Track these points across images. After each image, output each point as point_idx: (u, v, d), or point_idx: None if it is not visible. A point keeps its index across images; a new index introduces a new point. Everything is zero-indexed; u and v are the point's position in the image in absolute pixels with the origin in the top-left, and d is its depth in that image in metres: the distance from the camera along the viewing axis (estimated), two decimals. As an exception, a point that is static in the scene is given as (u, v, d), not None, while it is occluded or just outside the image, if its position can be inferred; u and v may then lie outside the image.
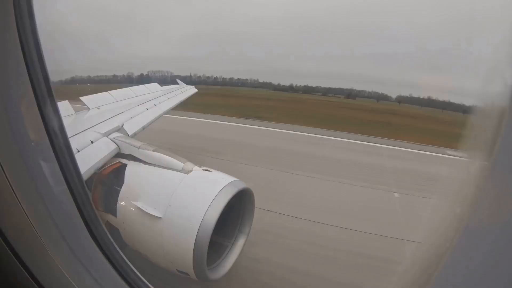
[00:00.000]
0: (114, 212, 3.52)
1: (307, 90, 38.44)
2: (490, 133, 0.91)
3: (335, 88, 38.24)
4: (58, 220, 1.36)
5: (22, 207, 1.22)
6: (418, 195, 8.21)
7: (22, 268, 1.27)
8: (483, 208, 0.92)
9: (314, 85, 38.95)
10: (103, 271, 1.54)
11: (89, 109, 5.68)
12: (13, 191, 1.18)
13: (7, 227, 1.22)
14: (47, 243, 1.32)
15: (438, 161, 12.81)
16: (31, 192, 1.27)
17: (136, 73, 34.37)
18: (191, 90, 10.78)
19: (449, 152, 12.79)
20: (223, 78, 37.92)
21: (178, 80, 12.02)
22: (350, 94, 37.08)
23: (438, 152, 14.24)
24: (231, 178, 3.48)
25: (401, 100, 33.86)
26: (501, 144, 0.86)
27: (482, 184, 0.91)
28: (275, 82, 39.28)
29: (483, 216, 0.93)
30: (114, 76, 31.71)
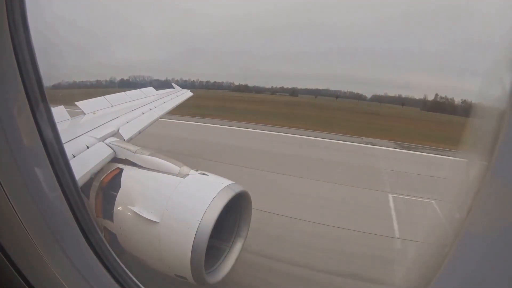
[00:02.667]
0: (111, 218, 3.50)
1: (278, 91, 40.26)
2: (489, 134, 0.91)
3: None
4: (53, 226, 1.35)
5: (17, 213, 1.21)
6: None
7: (17, 274, 1.26)
8: (483, 209, 0.92)
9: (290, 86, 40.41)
10: (100, 277, 1.53)
11: (85, 114, 5.65)
12: (8, 197, 1.17)
13: (2, 233, 1.21)
14: (42, 249, 1.31)
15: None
16: (26, 198, 1.26)
17: (118, 78, 34.79)
18: (187, 93, 10.76)
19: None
20: (199, 81, 38.36)
21: (173, 84, 12.00)
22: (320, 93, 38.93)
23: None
24: (228, 181, 3.47)
25: (376, 99, 35.44)
26: (500, 146, 0.86)
27: (481, 185, 0.91)
28: (250, 84, 40.50)
29: (483, 217, 0.93)
30: (98, 81, 31.99)
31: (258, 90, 39.71)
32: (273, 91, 40.15)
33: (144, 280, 1.75)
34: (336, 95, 37.60)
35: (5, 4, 1.08)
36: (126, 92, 7.95)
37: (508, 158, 0.86)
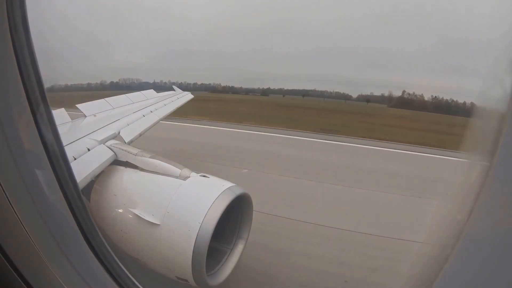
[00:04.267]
0: (112, 220, 3.50)
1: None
2: (490, 135, 0.91)
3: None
4: (54, 229, 1.35)
5: (18, 216, 1.21)
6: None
7: (18, 277, 1.25)
8: (485, 211, 0.92)
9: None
10: (101, 280, 1.53)
11: (86, 116, 5.67)
12: (8, 200, 1.17)
13: (2, 236, 1.21)
14: (43, 251, 1.30)
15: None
16: (27, 201, 1.26)
17: (108, 80, 35.25)
18: (187, 96, 10.76)
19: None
20: (187, 83, 38.61)
21: (174, 86, 12.02)
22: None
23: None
24: (228, 184, 3.47)
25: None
26: (501, 147, 0.86)
27: (483, 186, 0.90)
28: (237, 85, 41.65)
29: (485, 219, 0.92)
30: (89, 84, 32.38)
31: (235, 91, 40.95)
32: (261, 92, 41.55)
33: (145, 283, 1.75)
34: (303, 94, 39.60)
35: (6, 6, 1.09)
36: (127, 94, 7.98)
37: (509, 160, 0.86)
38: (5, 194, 1.16)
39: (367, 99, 35.31)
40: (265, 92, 41.16)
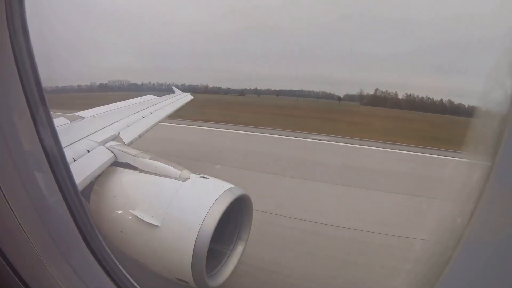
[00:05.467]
0: (111, 222, 3.49)
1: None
2: (491, 137, 0.91)
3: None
4: (53, 231, 1.35)
5: (17, 218, 1.21)
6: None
7: (17, 279, 1.25)
8: (485, 213, 0.91)
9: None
10: (100, 281, 1.52)
11: (84, 118, 5.66)
12: (7, 202, 1.17)
13: (2, 238, 1.21)
14: (42, 253, 1.30)
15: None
16: (26, 203, 1.26)
17: (98, 82, 36.03)
18: (187, 97, 10.76)
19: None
20: (175, 84, 39.12)
21: (174, 88, 12.02)
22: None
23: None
24: (228, 185, 3.47)
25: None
26: (503, 148, 0.85)
27: (484, 188, 0.90)
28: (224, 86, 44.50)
29: (486, 220, 0.92)
30: (79, 86, 32.95)
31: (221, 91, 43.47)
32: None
33: (144, 284, 1.74)
34: (277, 93, 43.78)
35: (5, 9, 1.09)
36: (127, 100, 8.02)
37: (511, 161, 0.85)
38: (4, 195, 1.16)
39: (340, 97, 39.12)
40: (242, 92, 45.03)
